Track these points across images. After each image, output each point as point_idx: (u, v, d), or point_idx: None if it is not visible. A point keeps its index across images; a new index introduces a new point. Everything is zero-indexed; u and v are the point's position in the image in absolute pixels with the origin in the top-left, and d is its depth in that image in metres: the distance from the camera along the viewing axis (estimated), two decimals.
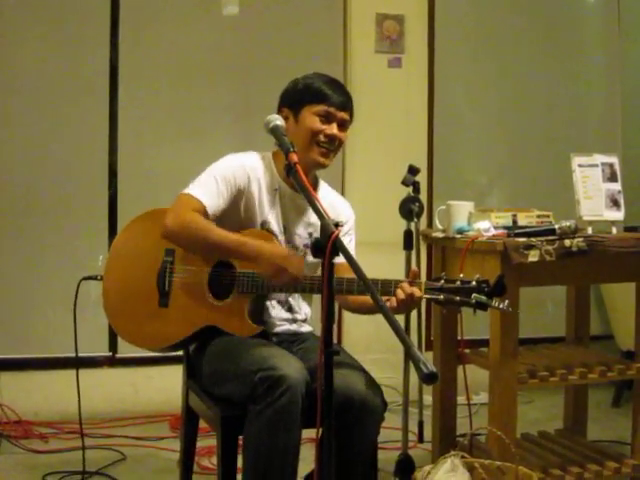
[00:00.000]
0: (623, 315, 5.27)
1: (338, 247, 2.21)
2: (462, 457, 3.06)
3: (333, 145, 3.07)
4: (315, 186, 3.22)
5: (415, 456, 3.78)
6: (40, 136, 4.97)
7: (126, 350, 4.80)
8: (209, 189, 2.99)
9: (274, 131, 2.71)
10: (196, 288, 3.00)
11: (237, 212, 3.05)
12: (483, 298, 2.80)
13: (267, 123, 2.73)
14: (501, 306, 2.86)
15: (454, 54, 5.73)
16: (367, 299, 2.99)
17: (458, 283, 2.83)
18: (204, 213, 2.97)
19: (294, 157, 2.55)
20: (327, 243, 2.20)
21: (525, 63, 5.88)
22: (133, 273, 3.06)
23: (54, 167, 5.00)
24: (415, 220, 3.64)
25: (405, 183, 3.64)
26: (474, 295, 2.80)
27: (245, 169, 3.05)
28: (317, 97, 3.05)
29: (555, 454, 3.74)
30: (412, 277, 2.87)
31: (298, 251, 3.12)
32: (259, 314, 3.06)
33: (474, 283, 2.82)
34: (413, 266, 3.33)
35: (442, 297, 2.82)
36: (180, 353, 3.27)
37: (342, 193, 5.31)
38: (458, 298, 2.82)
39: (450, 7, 5.69)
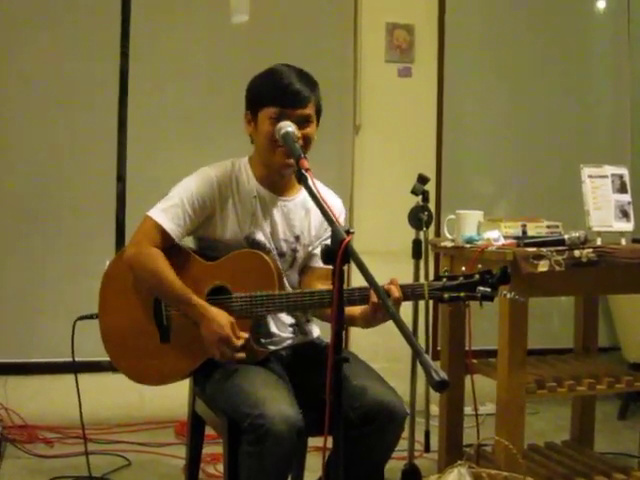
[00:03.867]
0: (631, 327, 5.26)
1: (350, 254, 2.19)
2: (469, 467, 3.05)
3: None
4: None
5: (421, 466, 3.78)
6: (49, 141, 4.97)
7: None
8: (175, 213, 2.92)
9: (285, 138, 2.71)
10: None
11: (214, 229, 2.97)
12: (488, 290, 2.72)
13: (278, 129, 2.74)
14: (508, 295, 2.81)
15: (464, 64, 5.72)
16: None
17: (461, 279, 2.75)
18: (168, 240, 2.92)
19: (305, 163, 2.52)
20: (338, 250, 2.18)
21: (534, 73, 5.86)
22: (128, 311, 2.98)
23: (62, 172, 5.00)
24: (424, 229, 3.64)
25: (415, 192, 3.64)
26: (479, 288, 2.72)
27: (216, 185, 2.95)
28: (268, 99, 2.89)
29: (562, 465, 3.73)
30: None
31: (285, 257, 3.04)
32: (265, 331, 3.00)
33: (477, 276, 2.74)
34: (422, 275, 3.32)
35: (447, 296, 2.75)
36: None
37: (350, 202, 5.32)
38: (463, 294, 2.74)
39: (460, 17, 5.68)
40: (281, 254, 3.04)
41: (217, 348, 2.83)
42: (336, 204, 3.14)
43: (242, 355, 2.83)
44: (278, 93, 2.89)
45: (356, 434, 2.78)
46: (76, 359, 3.68)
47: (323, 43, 5.37)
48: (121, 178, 5.07)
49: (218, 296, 2.91)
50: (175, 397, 3.92)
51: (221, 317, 2.83)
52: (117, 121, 5.06)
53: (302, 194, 3.06)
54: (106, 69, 5.04)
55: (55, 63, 4.97)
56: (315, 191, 2.43)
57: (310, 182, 2.47)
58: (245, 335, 2.83)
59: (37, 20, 4.94)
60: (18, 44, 4.92)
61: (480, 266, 2.82)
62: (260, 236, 2.99)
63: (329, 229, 2.72)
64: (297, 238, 3.07)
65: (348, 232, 2.25)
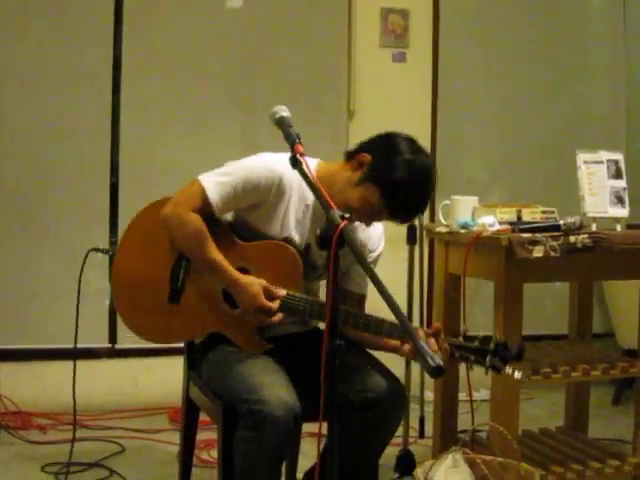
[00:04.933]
0: (625, 313, 5.25)
1: (345, 239, 2.16)
2: (464, 453, 3.04)
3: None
4: None
5: (416, 452, 3.79)
6: (42, 126, 4.94)
7: (125, 341, 4.81)
8: (225, 190, 2.81)
9: (280, 123, 2.56)
10: (210, 291, 2.88)
11: (257, 219, 2.89)
12: (498, 363, 2.69)
13: (273, 114, 2.59)
14: (516, 375, 2.76)
15: (458, 49, 5.70)
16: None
17: (476, 343, 2.73)
18: (207, 211, 2.83)
19: (300, 148, 2.44)
20: (333, 234, 2.15)
21: (530, 59, 5.85)
22: (147, 260, 2.89)
23: (56, 158, 4.98)
24: (419, 214, 3.63)
25: None
26: (489, 358, 2.70)
27: (275, 178, 2.83)
28: (391, 204, 2.83)
29: (556, 451, 3.73)
30: (434, 331, 2.81)
31: (317, 271, 3.00)
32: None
33: (492, 346, 2.71)
34: (416, 260, 3.30)
35: (457, 354, 2.76)
36: (181, 345, 3.23)
37: None
38: (473, 357, 2.73)
39: (455, 2, 5.67)
40: (314, 266, 2.99)
41: (254, 317, 2.81)
42: (375, 234, 3.10)
43: (279, 317, 2.81)
44: (404, 214, 2.94)
45: (358, 418, 2.79)
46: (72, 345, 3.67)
47: (317, 28, 5.35)
48: (115, 165, 5.05)
49: None
50: (169, 383, 3.93)
51: (253, 286, 2.79)
52: (110, 107, 5.04)
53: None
54: (99, 57, 5.01)
55: (47, 51, 4.94)
56: (310, 177, 2.39)
57: (304, 166, 2.43)
58: (282, 293, 2.80)
59: (29, 7, 4.90)
60: (8, 29, 4.89)
61: (498, 336, 2.75)
62: (298, 242, 2.92)
63: (371, 254, 2.97)
64: None
65: (343, 217, 2.20)
